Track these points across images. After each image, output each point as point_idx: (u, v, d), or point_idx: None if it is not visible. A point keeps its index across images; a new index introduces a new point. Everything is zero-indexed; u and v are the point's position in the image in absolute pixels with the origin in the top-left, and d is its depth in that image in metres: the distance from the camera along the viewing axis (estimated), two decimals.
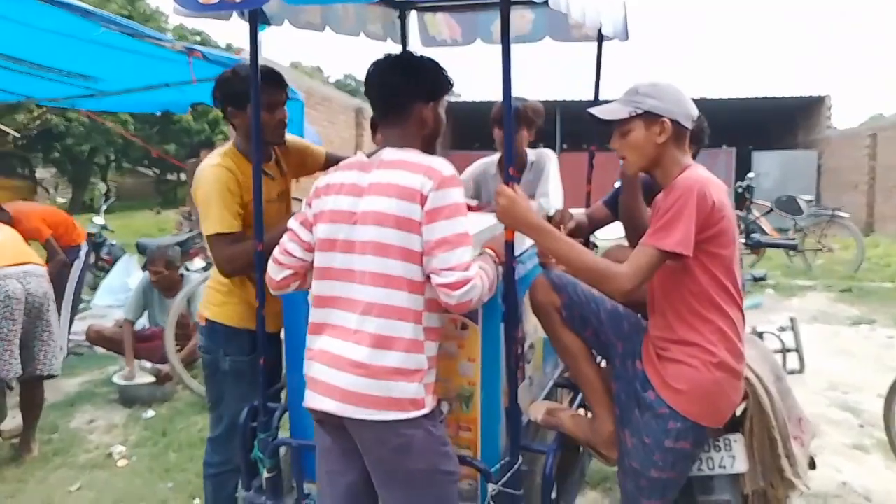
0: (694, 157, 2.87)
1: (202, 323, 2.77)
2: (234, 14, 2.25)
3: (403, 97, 2.03)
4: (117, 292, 6.84)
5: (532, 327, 2.54)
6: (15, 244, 4.03)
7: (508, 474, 2.20)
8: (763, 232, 9.52)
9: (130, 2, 19.99)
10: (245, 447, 2.59)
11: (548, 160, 3.52)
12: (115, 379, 4.92)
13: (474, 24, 3.46)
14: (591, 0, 2.49)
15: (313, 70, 32.28)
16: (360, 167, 2.00)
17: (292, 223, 2.11)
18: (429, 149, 2.06)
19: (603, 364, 2.43)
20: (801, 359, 3.56)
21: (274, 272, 2.13)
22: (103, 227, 8.51)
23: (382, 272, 1.89)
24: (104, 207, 9.36)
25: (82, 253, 5.84)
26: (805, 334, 4.82)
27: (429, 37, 3.56)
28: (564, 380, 2.85)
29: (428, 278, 1.89)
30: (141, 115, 18.79)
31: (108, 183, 20.49)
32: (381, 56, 2.08)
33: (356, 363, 1.88)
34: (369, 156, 2.02)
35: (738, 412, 2.37)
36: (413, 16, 3.53)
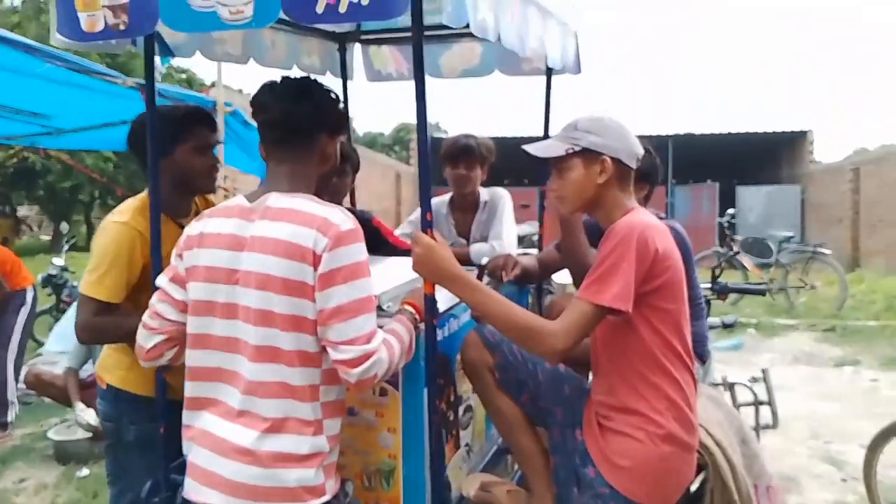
0: (647, 197, 2.67)
1: (103, 387, 2.48)
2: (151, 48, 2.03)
3: (309, 127, 1.77)
4: (70, 338, 6.51)
5: (469, 388, 2.29)
6: None
7: None
8: (744, 269, 9.29)
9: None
10: None
11: (501, 200, 3.31)
12: (51, 434, 4.60)
13: None
14: (531, 32, 2.31)
15: None
16: (240, 214, 1.71)
17: (161, 281, 1.82)
18: (324, 189, 1.83)
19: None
20: (774, 413, 3.32)
21: (143, 339, 1.83)
22: (63, 269, 8.20)
23: (268, 345, 1.63)
24: (65, 248, 9.06)
25: (28, 297, 5.54)
26: (787, 377, 4.60)
27: (374, 70, 3.36)
28: None
29: (325, 348, 1.64)
30: (123, 153, 18.62)
31: (91, 220, 20.10)
32: (276, 79, 1.81)
33: (242, 449, 1.62)
34: (251, 200, 1.74)
35: (696, 485, 2.12)
36: (356, 49, 3.34)
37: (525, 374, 2.03)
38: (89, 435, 4.53)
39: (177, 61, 23.38)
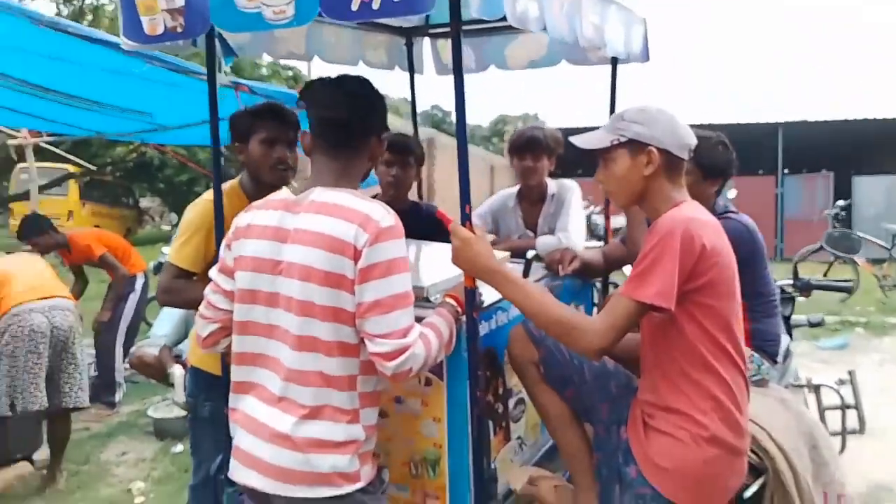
0: (718, 191, 2.56)
1: (188, 367, 2.68)
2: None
3: (365, 127, 1.81)
4: (171, 321, 6.92)
5: None
6: (43, 277, 4.09)
7: None
8: (854, 264, 8.67)
9: None
10: (216, 500, 2.44)
11: (569, 192, 3.25)
12: (150, 412, 4.92)
13: (488, 50, 3.27)
14: (586, 20, 2.26)
15: (400, 101, 32.84)
16: (285, 207, 1.76)
17: (213, 273, 1.90)
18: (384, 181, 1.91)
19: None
20: (860, 417, 3.11)
21: (200, 328, 1.92)
22: None
23: (308, 334, 1.68)
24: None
25: (138, 284, 5.91)
26: (891, 380, 4.28)
27: (442, 64, 3.39)
28: None
29: (363, 340, 1.67)
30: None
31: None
32: (332, 75, 1.84)
33: (281, 434, 1.68)
34: (297, 193, 1.79)
35: (753, 489, 2.02)
36: (425, 43, 3.36)
37: (570, 370, 2.00)
38: (184, 413, 4.82)
39: (283, 60, 24.32)
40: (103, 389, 5.44)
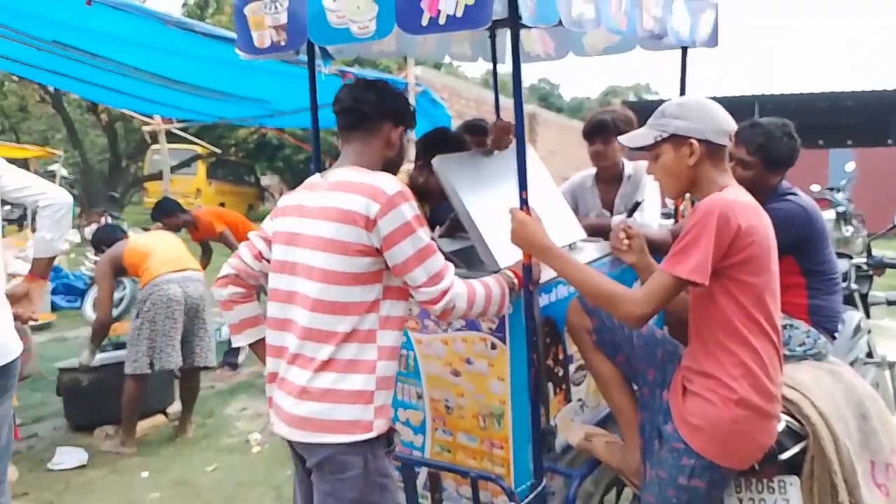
0: (781, 179, 2.67)
1: None
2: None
3: (374, 112, 2.04)
4: None
5: None
6: (177, 252, 4.65)
7: (531, 496, 2.22)
8: None
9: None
10: None
11: (645, 173, 3.40)
12: None
13: (567, 38, 3.44)
14: (647, 10, 2.42)
15: (508, 76, 32.73)
16: (309, 187, 2.04)
17: (251, 234, 2.18)
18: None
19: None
20: None
21: (222, 270, 2.17)
22: None
23: (319, 298, 1.88)
24: None
25: None
26: None
27: (524, 53, 3.58)
28: None
29: (375, 302, 1.90)
30: None
31: None
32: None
33: (300, 388, 1.90)
34: (323, 176, 2.06)
35: (794, 452, 2.18)
36: (506, 34, 3.57)
37: (620, 338, 2.22)
38: None
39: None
40: (228, 353, 6.07)
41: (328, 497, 1.92)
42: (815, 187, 11.60)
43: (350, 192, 1.90)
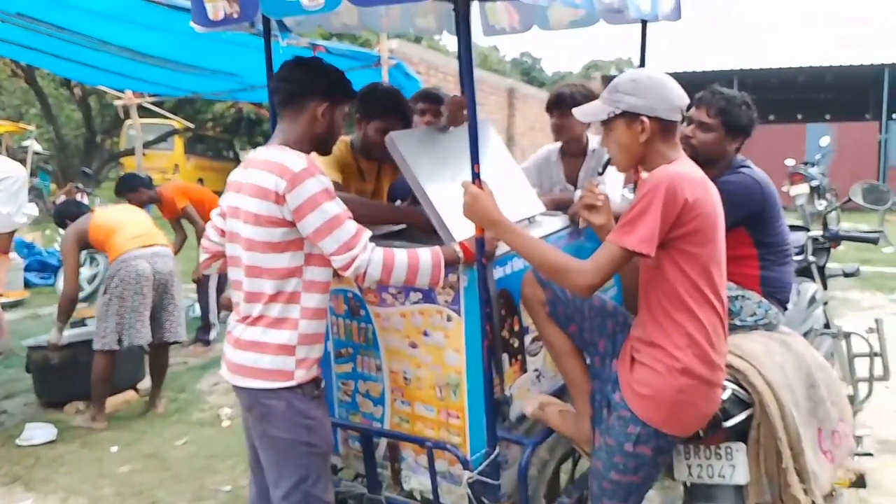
0: (738, 148, 2.70)
1: None
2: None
3: (301, 90, 2.15)
4: None
5: None
6: (145, 227, 4.62)
7: (484, 463, 2.27)
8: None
9: None
10: None
11: None
12: None
13: (531, 11, 3.43)
14: None
15: (490, 49, 32.55)
16: (244, 164, 2.20)
17: (213, 212, 2.39)
18: (323, 150, 2.23)
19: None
20: (885, 365, 3.21)
21: (201, 255, 2.47)
22: None
23: (249, 264, 2.12)
24: None
25: None
26: None
27: (489, 26, 3.56)
28: None
29: (298, 268, 2.09)
30: None
31: None
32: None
33: (235, 338, 2.17)
34: (255, 153, 2.22)
35: (739, 419, 2.24)
36: (473, 7, 3.56)
37: (572, 309, 2.25)
38: None
39: None
40: (201, 329, 6.08)
41: (262, 437, 2.17)
42: (790, 161, 11.70)
43: (264, 171, 2.06)
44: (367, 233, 2.09)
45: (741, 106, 2.69)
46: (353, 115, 2.87)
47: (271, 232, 2.06)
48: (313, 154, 2.30)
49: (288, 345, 2.10)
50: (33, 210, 3.63)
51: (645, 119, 2.03)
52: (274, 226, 2.05)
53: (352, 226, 2.05)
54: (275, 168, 2.04)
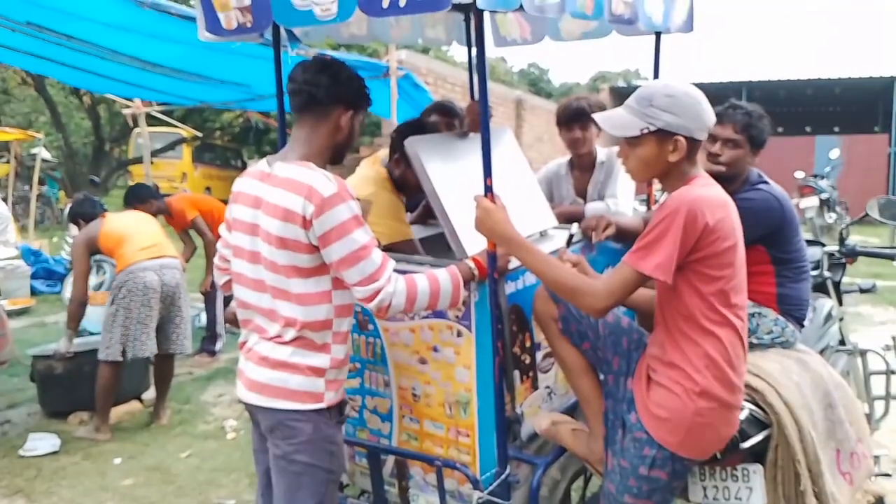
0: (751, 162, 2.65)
1: None
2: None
3: (325, 96, 2.03)
4: None
5: None
6: (155, 238, 4.58)
7: (495, 483, 2.21)
8: None
9: None
10: None
11: (618, 160, 3.39)
12: None
13: (542, 22, 3.41)
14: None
15: (497, 60, 32.60)
16: (261, 177, 2.06)
17: (222, 229, 2.27)
18: (337, 159, 2.11)
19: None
20: None
21: (218, 278, 2.34)
22: None
23: (278, 287, 2.00)
24: None
25: None
26: None
27: (500, 37, 3.54)
28: None
29: (327, 293, 2.00)
30: None
31: None
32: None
33: (261, 356, 2.05)
34: (270, 164, 2.07)
35: (757, 440, 2.18)
36: (485, 17, 3.54)
37: (586, 326, 2.20)
38: None
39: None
40: (206, 339, 6.04)
41: (280, 459, 2.06)
42: (800, 174, 11.64)
43: (290, 191, 1.95)
44: (392, 263, 2.00)
45: (761, 118, 2.66)
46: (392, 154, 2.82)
47: (297, 257, 1.96)
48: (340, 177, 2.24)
49: (320, 367, 2.01)
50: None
51: (681, 139, 1.95)
52: (299, 251, 1.95)
53: (378, 256, 1.96)
54: (302, 190, 1.92)
